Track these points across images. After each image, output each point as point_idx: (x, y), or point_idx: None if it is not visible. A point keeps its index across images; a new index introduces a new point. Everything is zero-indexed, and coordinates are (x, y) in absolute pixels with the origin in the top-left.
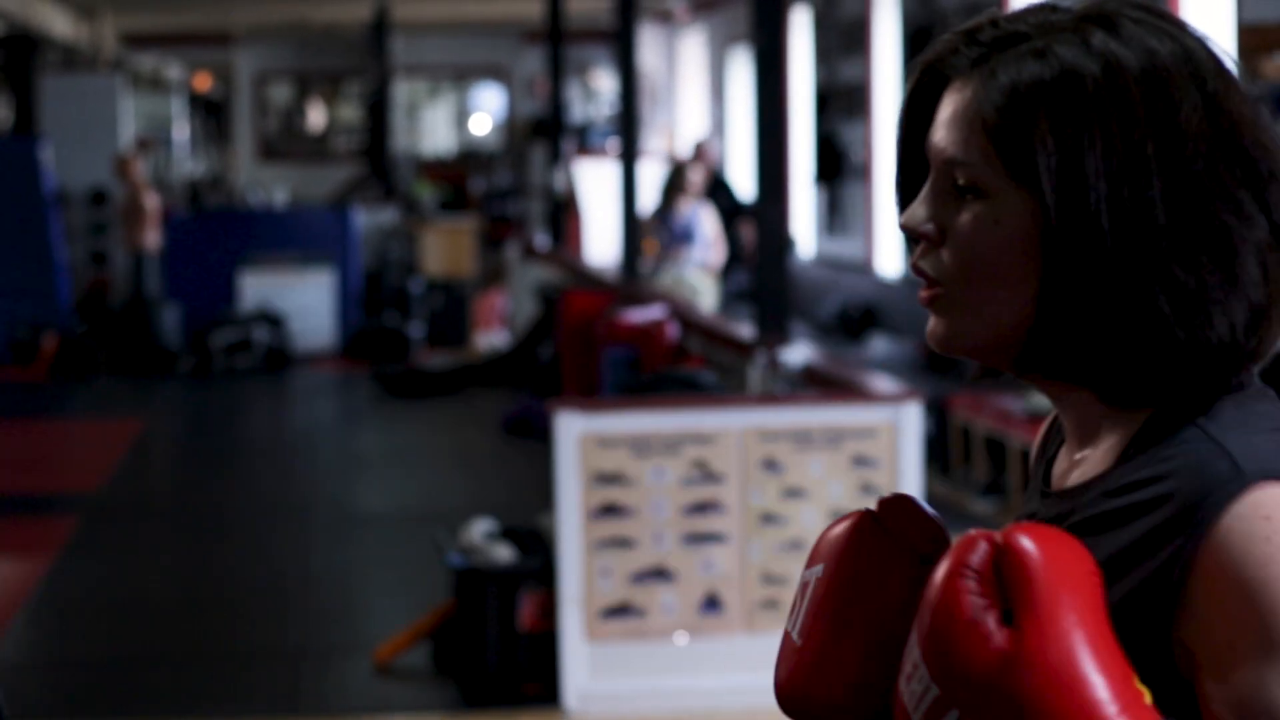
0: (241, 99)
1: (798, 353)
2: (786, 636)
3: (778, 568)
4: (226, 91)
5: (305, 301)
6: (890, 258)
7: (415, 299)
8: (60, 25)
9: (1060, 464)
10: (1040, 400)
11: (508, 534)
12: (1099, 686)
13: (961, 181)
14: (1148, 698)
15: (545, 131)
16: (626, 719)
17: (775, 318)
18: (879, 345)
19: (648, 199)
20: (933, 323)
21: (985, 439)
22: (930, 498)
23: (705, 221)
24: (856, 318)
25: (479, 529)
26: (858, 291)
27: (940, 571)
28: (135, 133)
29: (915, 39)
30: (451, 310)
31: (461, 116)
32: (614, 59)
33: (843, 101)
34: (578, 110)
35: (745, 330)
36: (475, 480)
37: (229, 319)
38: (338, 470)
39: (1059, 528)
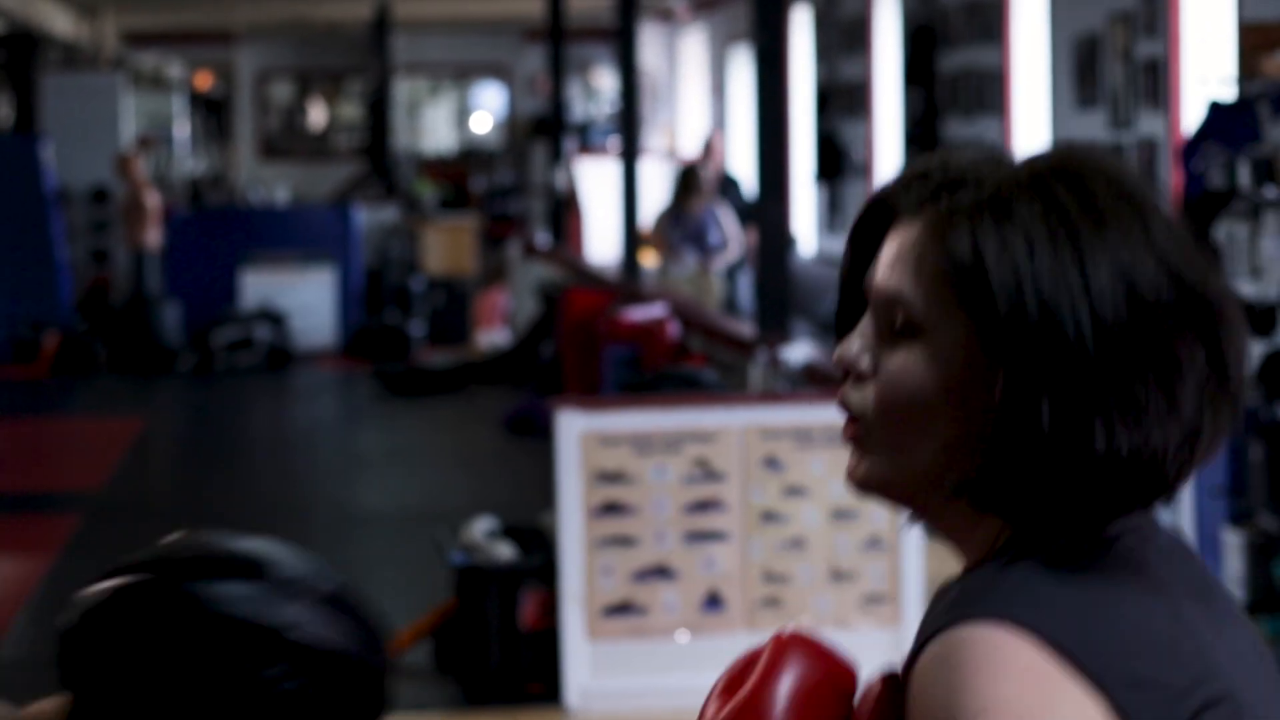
0: (242, 97)
1: (798, 351)
2: None
3: (779, 566)
4: (227, 90)
5: (306, 300)
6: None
7: (416, 297)
8: (61, 23)
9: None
10: None
11: (509, 532)
12: None
13: (900, 319)
14: None
15: (546, 130)
16: (628, 717)
17: (776, 316)
18: None
19: (651, 198)
20: (852, 461)
21: None
22: None
23: (724, 219)
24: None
25: (480, 527)
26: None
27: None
28: (136, 131)
29: (916, 37)
30: (452, 309)
31: (462, 115)
32: (615, 57)
33: (843, 100)
34: (579, 109)
35: (746, 328)
36: (476, 479)
37: (230, 317)
38: (339, 469)
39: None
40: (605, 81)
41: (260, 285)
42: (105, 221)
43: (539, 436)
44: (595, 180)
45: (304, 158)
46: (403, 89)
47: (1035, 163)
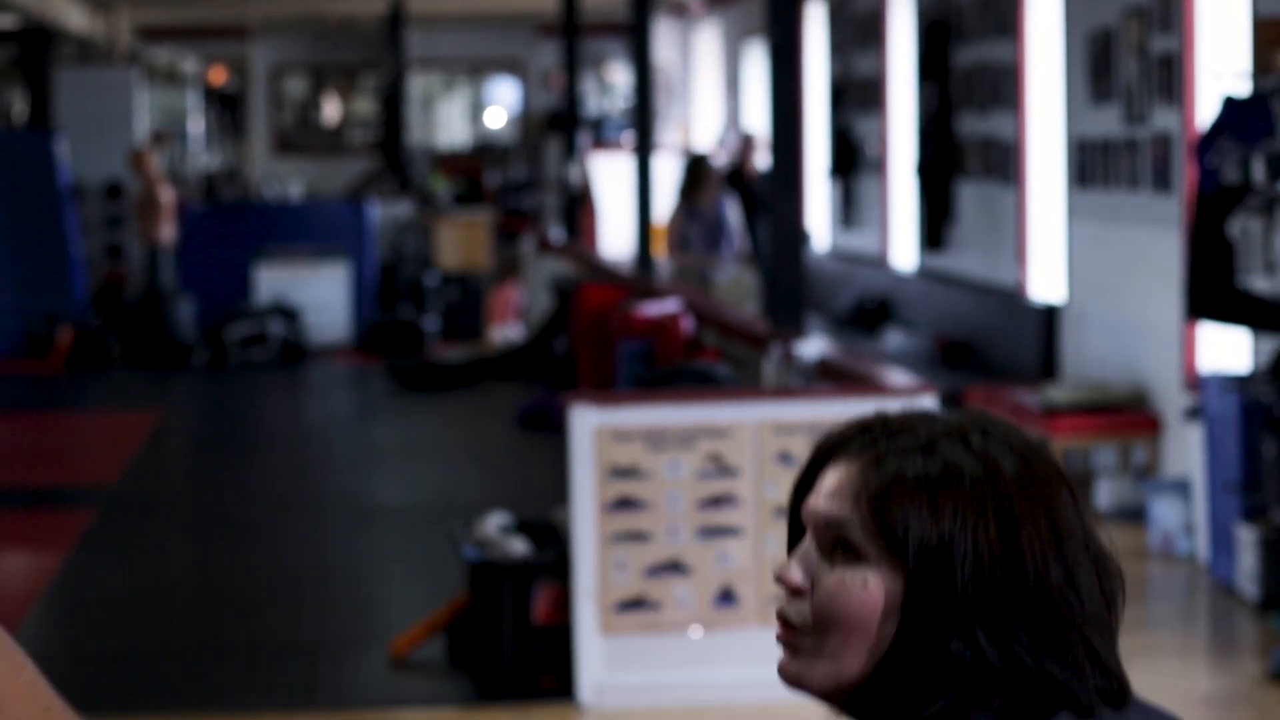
0: (257, 92)
1: (812, 346)
2: None
3: None
4: (242, 85)
5: (320, 295)
6: (905, 251)
7: (430, 292)
8: (76, 19)
9: None
10: (1055, 394)
11: (522, 527)
12: None
13: (838, 537)
14: None
15: (560, 125)
16: (641, 712)
17: (790, 311)
18: (894, 338)
19: (665, 193)
20: (784, 660)
21: None
22: None
23: (731, 215)
24: (871, 311)
25: (494, 522)
26: (873, 285)
27: None
28: (150, 126)
29: (930, 32)
30: (466, 304)
31: (476, 110)
32: (629, 52)
33: (857, 95)
34: (593, 104)
35: (759, 324)
36: (490, 474)
37: (244, 312)
38: (353, 463)
39: None
40: (619, 77)
41: (274, 280)
42: (119, 217)
43: (552, 432)
44: (609, 175)
45: (318, 153)
46: (417, 84)
47: (958, 419)
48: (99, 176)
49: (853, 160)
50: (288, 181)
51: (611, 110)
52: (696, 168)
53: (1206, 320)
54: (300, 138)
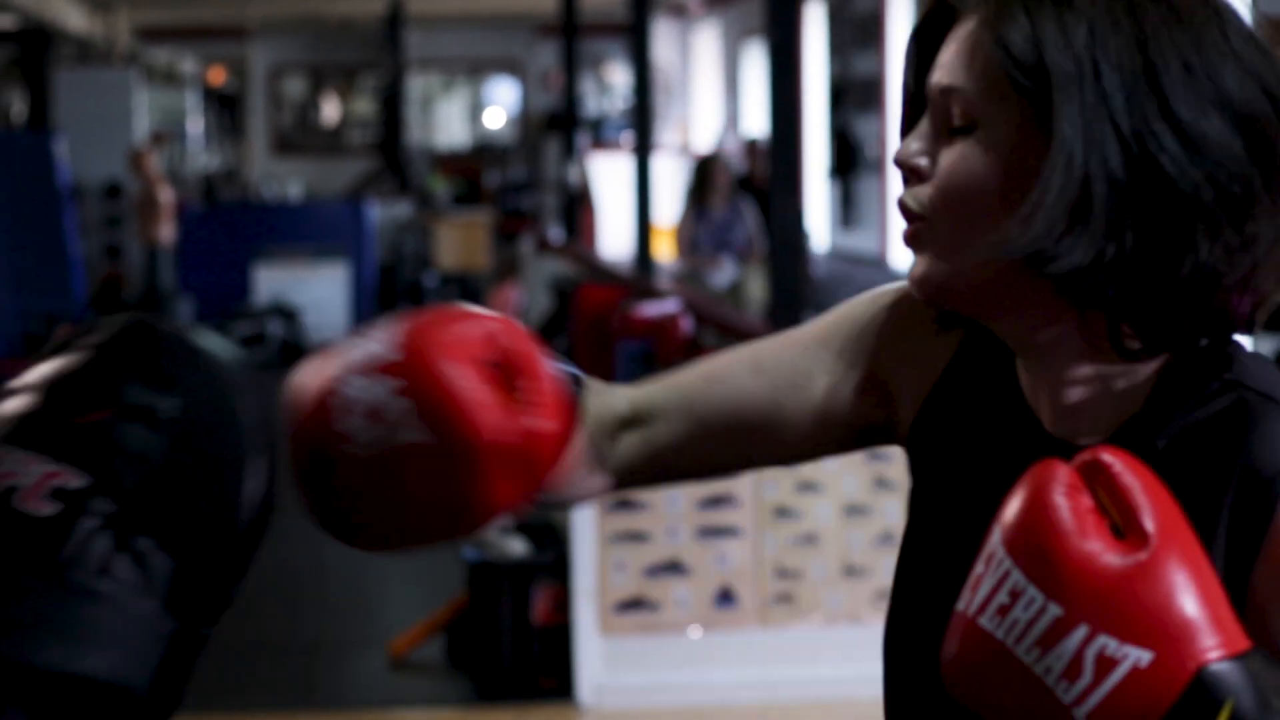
0: (256, 93)
1: None
2: (345, 442)
3: (791, 562)
4: (241, 85)
5: (320, 295)
6: (904, 251)
7: (429, 293)
8: (75, 19)
9: (1045, 401)
10: None
11: (521, 528)
12: (1218, 597)
13: (957, 111)
14: None
15: (559, 125)
16: (640, 712)
17: (790, 311)
18: None
19: (664, 193)
20: (914, 263)
21: None
22: None
23: (749, 216)
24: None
25: None
26: (872, 285)
27: (1033, 489)
28: (150, 126)
29: None
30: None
31: (476, 110)
32: (628, 53)
33: (857, 95)
34: (592, 104)
35: (759, 324)
36: None
37: (243, 313)
38: None
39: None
40: (618, 77)
41: (273, 281)
42: (118, 217)
43: None
44: (608, 176)
45: (317, 153)
46: (416, 84)
47: None
48: (98, 177)
49: (852, 161)
50: (287, 182)
51: (611, 110)
52: (705, 169)
53: None
54: (299, 138)
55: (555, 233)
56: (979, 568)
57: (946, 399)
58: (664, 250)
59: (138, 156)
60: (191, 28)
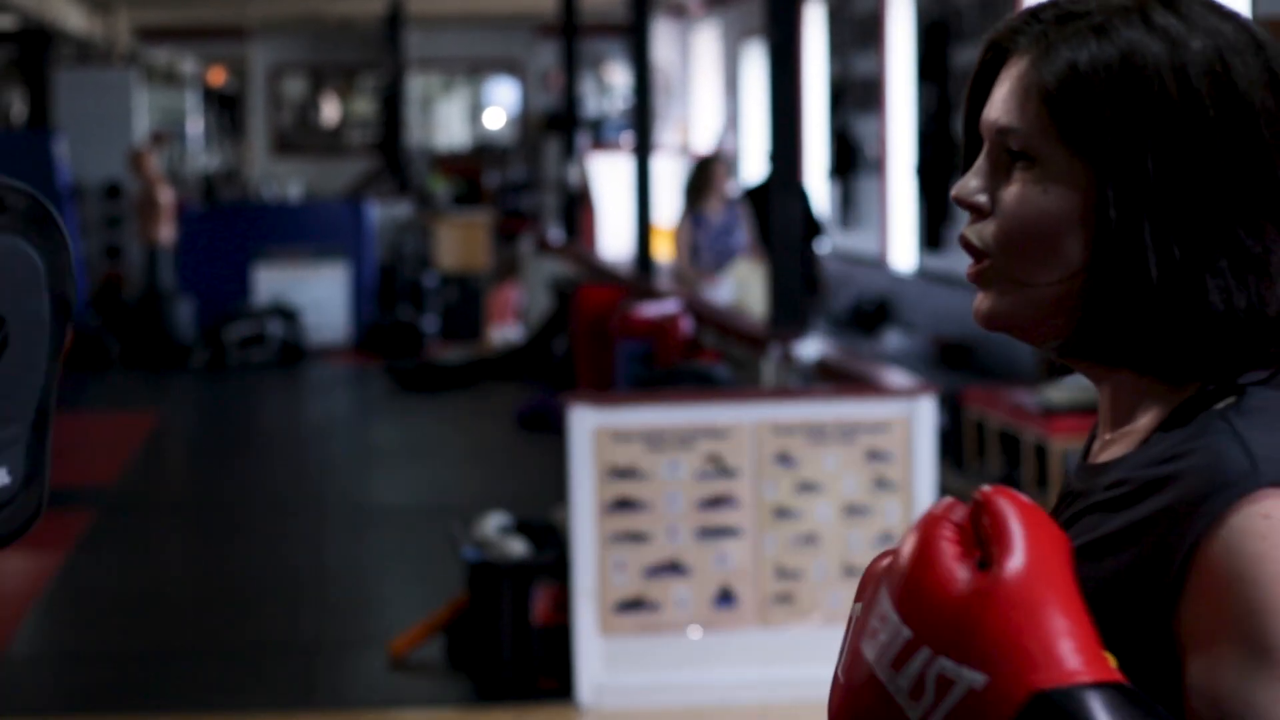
0: (256, 93)
1: (811, 347)
2: (835, 677)
3: (791, 562)
4: (241, 85)
5: (319, 295)
6: (904, 252)
7: (429, 293)
8: (75, 19)
9: (1099, 439)
10: (1054, 395)
11: (521, 528)
12: (1067, 629)
13: (1014, 148)
14: (1112, 662)
15: (559, 125)
16: (640, 712)
17: (789, 312)
18: (893, 339)
19: (664, 193)
20: (979, 298)
21: (999, 433)
22: (944, 492)
23: (746, 221)
24: (870, 312)
25: (493, 523)
26: (872, 285)
27: (916, 527)
28: (150, 127)
29: (928, 33)
30: (465, 304)
31: (475, 110)
32: (628, 53)
33: (857, 95)
34: (592, 104)
35: (759, 324)
36: (489, 474)
37: (243, 313)
38: (352, 464)
39: (1082, 503)
40: (618, 77)
41: (273, 281)
42: (118, 217)
43: (551, 432)
44: (608, 176)
45: (317, 153)
46: (416, 84)
47: None
48: (98, 177)
49: (852, 161)
50: (287, 182)
51: (610, 111)
52: (702, 171)
53: None
54: (299, 138)
55: (555, 233)
56: (869, 593)
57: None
58: (664, 251)
59: (138, 157)
60: (191, 28)
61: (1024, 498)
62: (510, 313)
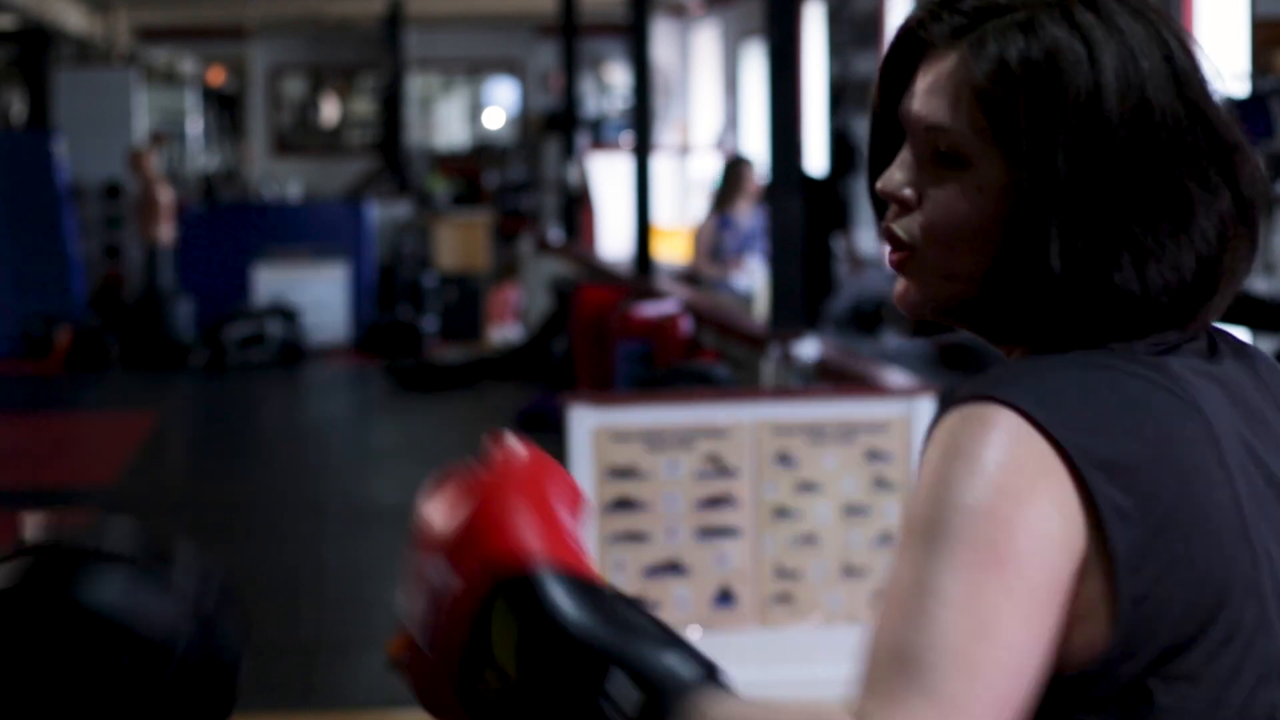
0: (255, 93)
1: (811, 347)
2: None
3: (791, 562)
4: (240, 85)
5: (319, 295)
6: None
7: (429, 293)
8: (74, 19)
9: None
10: None
11: None
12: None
13: (943, 148)
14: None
15: (559, 125)
16: None
17: (789, 312)
18: (893, 339)
19: (663, 194)
20: (901, 285)
21: None
22: None
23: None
24: (870, 312)
25: None
26: (871, 286)
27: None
28: (149, 127)
29: None
30: (465, 304)
31: (475, 110)
32: (628, 53)
33: (856, 96)
34: (591, 104)
35: (758, 324)
36: None
37: (243, 313)
38: (351, 464)
39: None
40: (618, 77)
41: (273, 281)
42: (118, 217)
43: (551, 432)
44: (608, 176)
45: (317, 153)
46: (415, 84)
47: None
48: (98, 177)
49: (851, 161)
50: (286, 182)
51: (610, 111)
52: (734, 172)
53: None
54: (299, 138)
55: (555, 233)
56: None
57: None
58: (665, 250)
59: (137, 157)
60: (191, 28)
61: (532, 447)
62: (510, 313)
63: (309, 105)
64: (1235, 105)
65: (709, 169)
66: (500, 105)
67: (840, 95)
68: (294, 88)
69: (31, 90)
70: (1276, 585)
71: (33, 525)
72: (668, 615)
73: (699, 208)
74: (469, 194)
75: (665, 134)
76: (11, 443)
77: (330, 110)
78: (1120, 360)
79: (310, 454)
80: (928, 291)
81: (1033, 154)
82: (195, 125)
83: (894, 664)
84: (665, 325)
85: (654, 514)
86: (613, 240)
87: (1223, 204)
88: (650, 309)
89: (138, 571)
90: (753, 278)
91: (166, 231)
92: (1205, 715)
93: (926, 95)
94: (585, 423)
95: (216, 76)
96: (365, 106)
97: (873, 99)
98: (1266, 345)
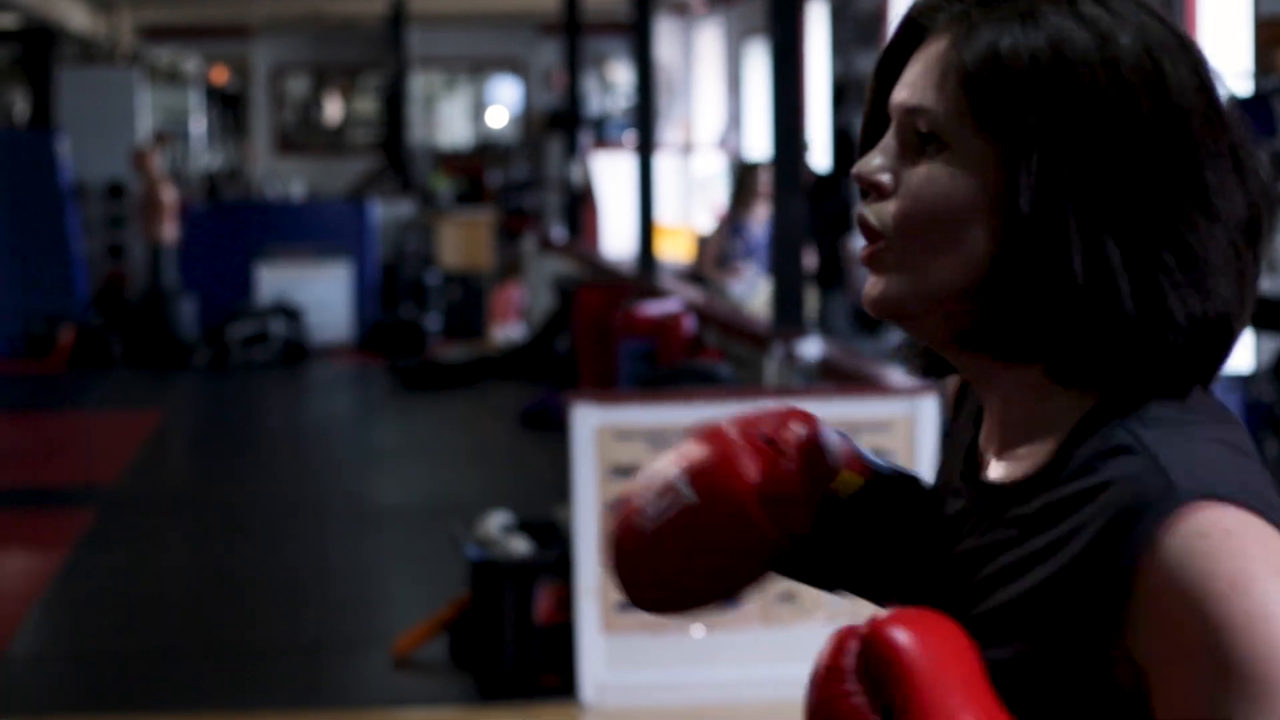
0: (258, 92)
1: (814, 345)
2: (639, 517)
3: None
4: (243, 84)
5: (322, 294)
6: None
7: (432, 292)
8: (78, 18)
9: (986, 448)
10: None
11: (524, 526)
12: None
13: (923, 129)
14: None
15: (562, 124)
16: (643, 711)
17: (792, 310)
18: (896, 338)
19: (666, 193)
20: (870, 282)
21: None
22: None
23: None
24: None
25: (495, 521)
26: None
27: (817, 678)
28: (152, 126)
29: None
30: (468, 303)
31: (478, 109)
32: (631, 51)
33: (859, 94)
34: (594, 103)
35: (761, 323)
36: (492, 473)
37: (246, 311)
38: (354, 463)
39: (989, 524)
40: (621, 75)
41: (276, 280)
42: (121, 216)
43: (554, 431)
44: (611, 174)
45: (320, 152)
46: (418, 83)
47: None
48: (101, 176)
49: (853, 159)
50: (289, 181)
51: (613, 109)
52: (746, 178)
53: None
54: (302, 137)
55: (558, 232)
56: None
57: (950, 435)
58: (668, 249)
59: (140, 156)
60: (194, 27)
61: (917, 617)
62: (513, 311)
63: (312, 104)
64: (1239, 104)
65: (712, 167)
66: (503, 104)
67: (843, 94)
68: (297, 87)
69: (35, 89)
70: None
71: None
72: None
73: (702, 206)
74: (472, 193)
75: (668, 132)
76: (14, 442)
77: (333, 109)
78: (1236, 425)
79: (313, 453)
80: (896, 288)
81: (1036, 146)
82: (198, 124)
83: None
84: (668, 324)
85: None
86: (616, 239)
87: (1238, 211)
88: (653, 308)
89: None
90: (750, 285)
91: (170, 230)
92: None
93: (913, 79)
94: (588, 421)
95: (220, 75)
96: (368, 105)
97: (868, 90)
98: (1267, 345)
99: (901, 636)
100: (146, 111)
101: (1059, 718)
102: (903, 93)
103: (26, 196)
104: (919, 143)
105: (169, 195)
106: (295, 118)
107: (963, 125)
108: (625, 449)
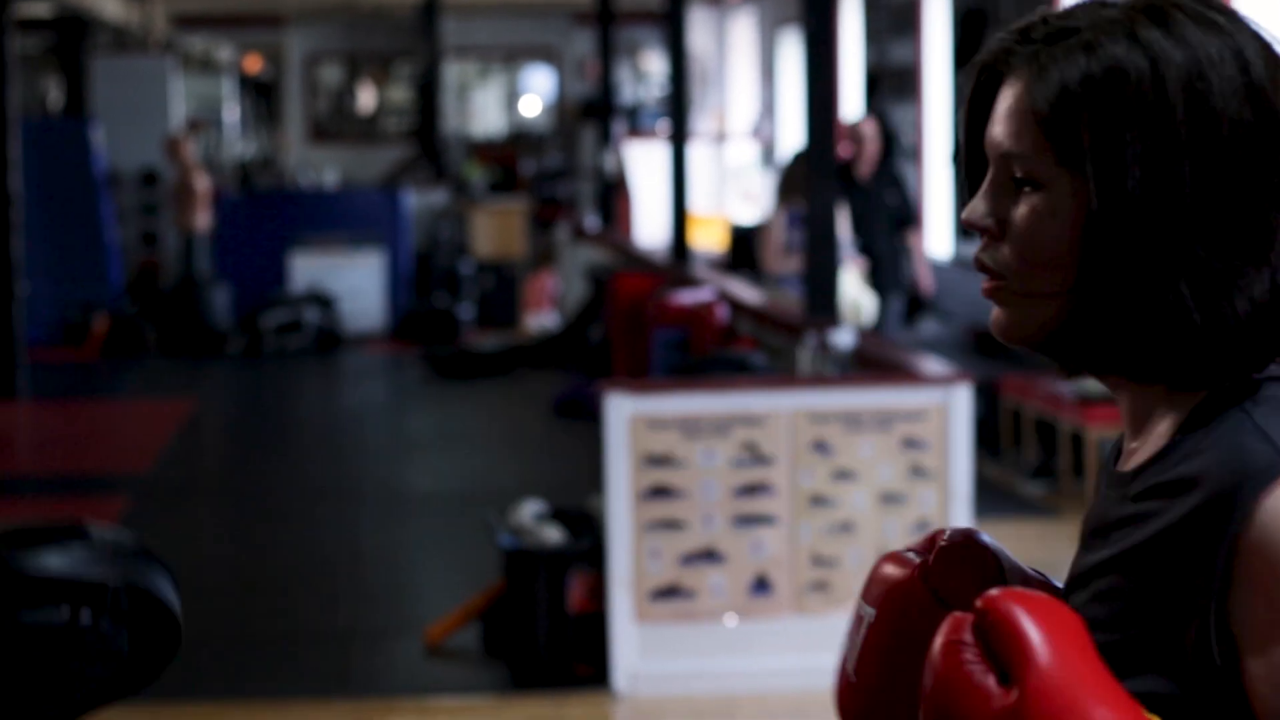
0: (292, 80)
1: (847, 335)
2: (843, 669)
3: (827, 549)
4: (277, 73)
5: (355, 283)
6: (941, 240)
7: (465, 280)
8: (111, 7)
9: (1125, 446)
10: (1091, 383)
11: (557, 515)
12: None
13: (1019, 174)
14: None
15: (595, 113)
16: (676, 700)
17: (825, 299)
18: (929, 327)
19: (699, 182)
20: (995, 313)
21: (1035, 421)
22: (980, 480)
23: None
24: (907, 300)
25: (529, 510)
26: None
27: (935, 649)
28: (186, 114)
29: (965, 21)
30: (501, 292)
31: (512, 98)
32: (664, 40)
33: (893, 83)
34: (628, 92)
35: (795, 312)
36: (525, 461)
37: (279, 300)
38: (388, 451)
39: (1116, 511)
40: (654, 65)
41: (309, 268)
42: (155, 204)
43: (588, 420)
44: (644, 164)
45: (353, 141)
46: (452, 72)
47: (1127, 4)
48: (134, 164)
49: (889, 149)
50: (323, 169)
51: (646, 98)
52: (797, 167)
53: None
54: (335, 126)
55: (591, 220)
56: None
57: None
58: (701, 238)
59: (174, 144)
60: (228, 15)
61: (1024, 593)
62: (546, 300)
63: (345, 93)
64: None
65: (745, 157)
66: (537, 93)
67: (877, 82)
68: (330, 75)
69: (69, 78)
70: None
71: None
72: (703, 603)
73: (735, 196)
74: (505, 181)
75: (701, 122)
76: (50, 429)
77: (367, 98)
78: None
79: (347, 441)
80: (1018, 318)
81: (1100, 173)
82: (232, 113)
83: None
84: (701, 313)
85: (690, 501)
86: (649, 228)
87: None
88: (686, 296)
89: (59, 541)
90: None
91: (203, 219)
92: None
93: (1001, 122)
94: (622, 410)
95: (253, 64)
96: (402, 94)
97: (959, 133)
98: None
99: (1012, 604)
100: (180, 100)
101: (1152, 684)
102: (995, 137)
103: (61, 185)
104: (1016, 184)
105: (202, 183)
106: (328, 106)
107: (1049, 165)
108: (659, 438)
